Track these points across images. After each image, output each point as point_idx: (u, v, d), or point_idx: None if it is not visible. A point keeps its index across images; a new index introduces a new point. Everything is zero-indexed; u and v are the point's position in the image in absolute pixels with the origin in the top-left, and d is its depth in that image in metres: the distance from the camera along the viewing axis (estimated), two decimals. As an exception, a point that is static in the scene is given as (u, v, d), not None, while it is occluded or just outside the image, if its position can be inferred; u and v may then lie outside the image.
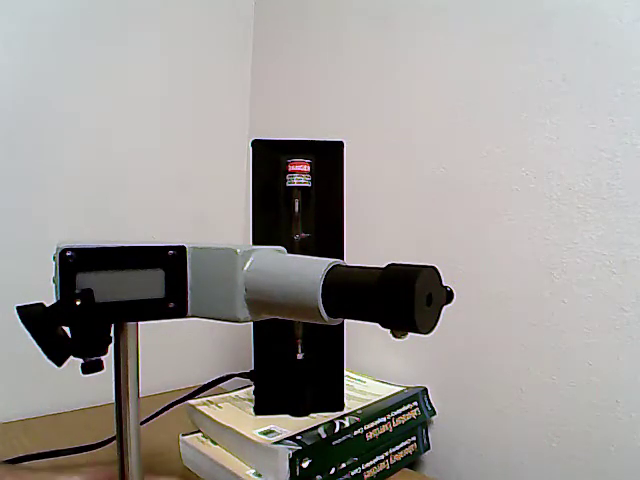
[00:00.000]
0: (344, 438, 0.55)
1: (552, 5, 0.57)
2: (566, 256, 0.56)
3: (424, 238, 0.71)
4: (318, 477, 0.51)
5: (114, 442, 0.56)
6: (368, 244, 0.77)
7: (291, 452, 0.49)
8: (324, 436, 0.53)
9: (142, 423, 0.57)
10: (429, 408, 0.67)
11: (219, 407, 0.62)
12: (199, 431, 0.61)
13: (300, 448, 0.50)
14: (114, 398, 0.34)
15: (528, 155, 0.59)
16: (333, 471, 0.53)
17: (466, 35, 0.66)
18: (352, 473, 0.55)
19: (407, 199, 0.73)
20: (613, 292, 0.52)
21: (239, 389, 0.68)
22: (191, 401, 0.63)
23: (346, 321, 0.31)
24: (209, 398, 0.65)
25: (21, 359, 0.63)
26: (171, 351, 0.76)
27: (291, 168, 0.59)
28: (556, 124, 0.57)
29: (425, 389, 0.68)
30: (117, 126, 0.81)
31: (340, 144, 0.61)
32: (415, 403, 0.65)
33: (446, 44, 0.68)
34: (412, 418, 0.64)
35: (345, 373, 0.75)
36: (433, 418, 0.68)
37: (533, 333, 0.59)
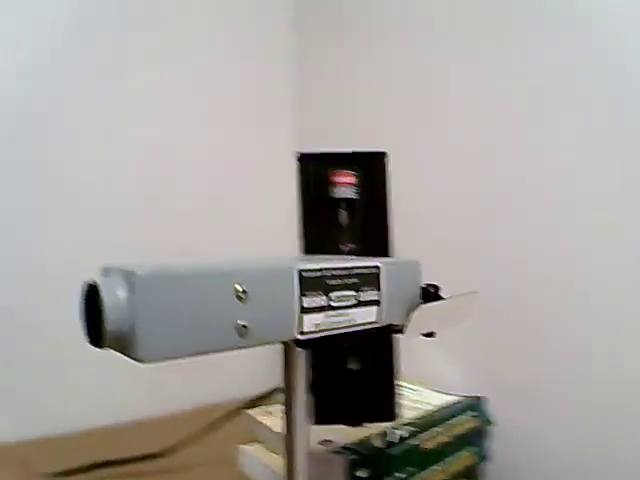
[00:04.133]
0: (400, 448, 0.54)
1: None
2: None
3: (471, 247, 0.70)
4: (376, 487, 0.51)
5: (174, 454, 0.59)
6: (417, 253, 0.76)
7: (348, 461, 0.49)
8: (380, 445, 0.53)
9: (202, 434, 0.60)
10: (487, 418, 0.65)
11: (277, 417, 0.63)
12: (257, 440, 0.63)
13: (356, 457, 0.50)
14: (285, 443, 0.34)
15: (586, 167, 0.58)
16: (390, 481, 0.53)
17: (515, 44, 0.65)
18: (410, 484, 0.54)
19: (456, 210, 0.72)
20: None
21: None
22: (250, 411, 0.64)
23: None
24: (268, 408, 0.66)
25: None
26: (230, 361, 0.78)
27: (336, 180, 0.60)
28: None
29: (482, 398, 0.66)
30: (164, 140, 0.85)
31: (383, 154, 0.61)
32: (472, 412, 0.64)
33: (495, 55, 0.68)
34: (470, 428, 0.63)
35: (399, 382, 0.74)
36: (492, 428, 0.67)
37: (599, 341, 0.56)
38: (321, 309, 0.26)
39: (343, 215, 0.61)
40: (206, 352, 0.23)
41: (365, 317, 0.28)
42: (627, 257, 0.55)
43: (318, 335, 0.27)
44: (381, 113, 0.85)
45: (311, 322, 0.26)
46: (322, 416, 0.61)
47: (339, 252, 0.61)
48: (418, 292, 0.31)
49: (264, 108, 0.97)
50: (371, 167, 0.61)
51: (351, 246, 0.61)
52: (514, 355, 0.65)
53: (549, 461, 0.61)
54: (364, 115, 0.88)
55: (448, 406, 0.64)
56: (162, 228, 0.83)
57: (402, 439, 0.55)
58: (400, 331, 0.30)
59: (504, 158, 0.66)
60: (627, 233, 0.55)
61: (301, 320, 0.25)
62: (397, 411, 0.62)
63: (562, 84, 0.60)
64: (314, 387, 0.62)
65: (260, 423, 0.62)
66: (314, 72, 1.00)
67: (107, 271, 0.23)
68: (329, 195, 0.61)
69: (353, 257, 0.31)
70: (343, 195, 0.60)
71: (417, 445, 0.56)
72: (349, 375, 0.61)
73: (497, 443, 0.66)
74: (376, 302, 0.29)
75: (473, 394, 0.67)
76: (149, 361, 0.22)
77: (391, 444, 0.54)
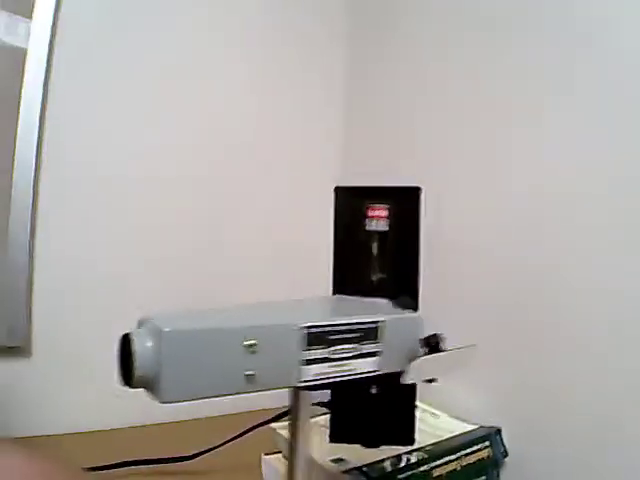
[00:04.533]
0: (409, 473, 0.57)
1: None
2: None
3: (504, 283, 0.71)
4: (382, 508, 0.55)
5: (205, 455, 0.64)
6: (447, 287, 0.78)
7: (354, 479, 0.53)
8: (389, 469, 0.56)
9: (228, 442, 0.64)
10: (502, 449, 0.67)
11: (297, 430, 0.67)
12: (279, 451, 0.67)
13: (364, 478, 0.54)
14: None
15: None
16: (398, 505, 0.56)
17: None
18: (417, 508, 0.57)
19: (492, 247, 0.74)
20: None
21: (320, 415, 0.73)
22: (274, 424, 0.69)
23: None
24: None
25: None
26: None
27: (370, 213, 0.63)
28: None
29: (499, 429, 0.68)
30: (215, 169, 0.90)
31: (417, 189, 0.64)
32: (487, 443, 0.65)
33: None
34: (482, 458, 0.64)
35: (420, 406, 0.77)
36: (507, 459, 0.68)
37: (616, 378, 0.57)
38: (322, 360, 0.30)
39: (375, 246, 0.64)
40: (217, 396, 0.27)
41: (365, 366, 0.32)
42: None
43: (318, 383, 0.30)
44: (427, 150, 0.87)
45: (311, 372, 0.30)
46: (338, 434, 0.65)
47: (369, 281, 0.64)
48: (419, 343, 0.34)
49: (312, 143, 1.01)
50: (404, 202, 0.64)
51: (381, 275, 0.64)
52: (532, 389, 0.66)
53: None
54: (408, 151, 0.91)
55: (464, 435, 0.66)
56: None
57: (412, 465, 0.58)
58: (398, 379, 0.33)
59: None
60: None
61: (302, 371, 0.29)
62: (414, 436, 0.65)
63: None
64: (332, 406, 0.65)
65: (280, 435, 0.66)
66: (362, 107, 1.03)
67: (141, 323, 0.27)
68: (362, 227, 0.64)
69: (362, 306, 0.34)
70: (375, 228, 0.63)
71: (427, 471, 0.59)
72: (369, 397, 0.64)
73: (511, 474, 0.67)
74: (376, 353, 0.32)
75: (491, 424, 0.69)
76: (169, 402, 0.26)
77: (401, 469, 0.57)
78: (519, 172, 0.70)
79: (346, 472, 0.55)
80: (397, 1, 0.95)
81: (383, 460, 0.58)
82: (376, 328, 0.32)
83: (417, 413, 0.75)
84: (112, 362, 0.70)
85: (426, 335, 0.35)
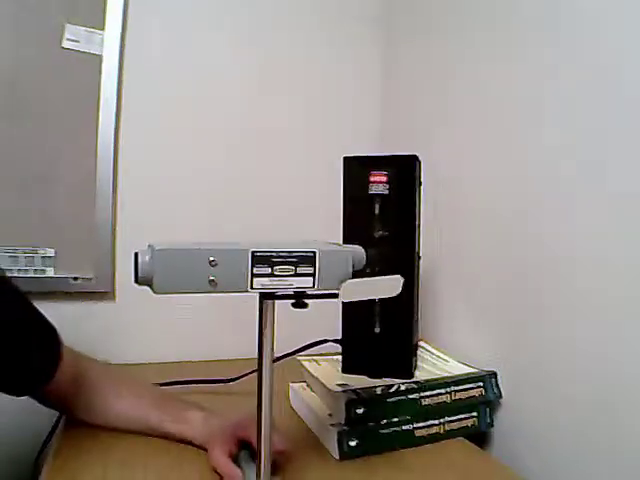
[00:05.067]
0: (397, 398, 0.68)
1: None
2: None
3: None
4: (370, 423, 0.66)
5: (243, 378, 0.79)
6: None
7: (348, 398, 0.65)
8: (379, 393, 0.67)
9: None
10: (495, 391, 0.74)
11: (319, 364, 0.80)
12: (303, 381, 0.80)
13: (355, 397, 0.65)
14: (257, 362, 0.48)
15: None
16: (385, 422, 0.67)
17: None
18: (403, 428, 0.68)
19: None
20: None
21: (339, 353, 0.85)
22: (301, 358, 0.82)
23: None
24: (315, 357, 0.83)
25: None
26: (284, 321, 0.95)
27: (372, 179, 0.74)
28: None
29: (494, 373, 0.75)
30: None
31: (413, 158, 0.73)
32: (480, 384, 0.73)
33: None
34: (474, 396, 0.73)
35: (432, 351, 0.87)
36: (502, 401, 0.75)
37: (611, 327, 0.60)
38: (267, 275, 0.42)
39: (377, 207, 0.75)
40: (192, 292, 0.41)
41: (302, 284, 0.43)
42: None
43: (264, 291, 0.43)
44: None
45: (258, 283, 0.42)
46: (349, 367, 0.77)
47: (373, 237, 0.75)
48: (350, 270, 0.45)
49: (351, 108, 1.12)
50: (402, 169, 0.74)
51: (383, 233, 0.75)
52: (530, 340, 0.71)
53: (550, 432, 0.68)
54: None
55: (460, 375, 0.74)
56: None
57: (401, 391, 0.68)
58: (336, 296, 0.44)
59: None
60: None
61: (251, 281, 0.42)
62: (412, 371, 0.76)
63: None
64: (344, 343, 0.78)
65: (303, 366, 0.79)
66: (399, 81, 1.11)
67: (148, 245, 0.41)
68: (366, 191, 0.75)
69: (309, 243, 0.45)
70: (376, 191, 0.74)
71: (416, 399, 0.69)
72: (374, 336, 0.76)
73: (505, 413, 0.75)
74: (311, 274, 0.43)
75: (490, 369, 0.76)
76: (160, 294, 0.40)
77: (390, 394, 0.68)
78: (520, 146, 0.75)
79: (344, 392, 0.67)
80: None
81: (377, 386, 0.69)
82: (313, 256, 0.43)
83: (428, 357, 0.86)
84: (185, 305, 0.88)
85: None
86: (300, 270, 0.43)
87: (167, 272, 0.40)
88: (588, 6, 0.63)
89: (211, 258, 0.41)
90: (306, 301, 0.45)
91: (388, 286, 0.46)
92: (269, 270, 0.42)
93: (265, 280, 0.42)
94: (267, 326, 0.46)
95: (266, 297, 0.45)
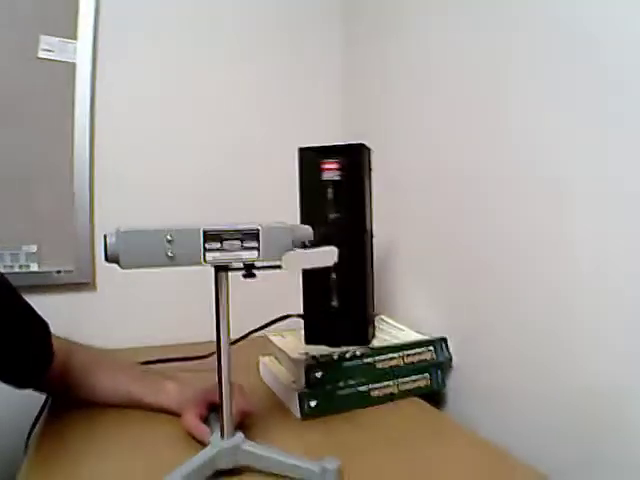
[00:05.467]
0: (353, 362, 0.76)
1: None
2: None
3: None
4: (328, 386, 0.74)
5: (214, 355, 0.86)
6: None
7: (307, 364, 0.73)
8: (335, 357, 0.75)
9: (233, 343, 0.86)
10: (446, 354, 0.83)
11: (284, 337, 0.88)
12: (271, 354, 0.88)
13: (314, 362, 0.73)
14: (215, 325, 0.55)
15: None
16: (342, 384, 0.74)
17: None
18: (360, 389, 0.76)
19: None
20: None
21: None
22: (268, 333, 0.90)
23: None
24: (282, 332, 0.90)
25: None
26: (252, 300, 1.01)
27: (324, 166, 0.81)
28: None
29: (444, 338, 0.83)
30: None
31: (361, 146, 0.81)
32: (430, 347, 0.82)
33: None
34: (425, 359, 0.81)
35: (389, 322, 0.95)
36: (454, 364, 0.83)
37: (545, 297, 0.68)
38: (217, 250, 0.49)
39: (330, 192, 0.82)
40: (153, 266, 0.48)
41: (248, 256, 0.51)
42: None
43: (217, 264, 0.50)
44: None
45: (211, 256, 0.49)
46: (311, 337, 0.85)
47: (327, 219, 0.82)
48: (290, 243, 0.52)
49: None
50: (351, 157, 0.81)
51: (336, 215, 0.82)
52: (477, 308, 0.79)
53: (498, 391, 0.75)
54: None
55: (412, 341, 0.82)
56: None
57: (356, 356, 0.76)
58: (280, 267, 0.52)
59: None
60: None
61: (204, 255, 0.49)
62: (368, 338, 0.83)
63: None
64: (306, 317, 0.85)
65: (271, 341, 0.87)
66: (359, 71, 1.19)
67: (115, 229, 0.48)
68: (320, 177, 0.82)
69: (262, 223, 0.52)
70: (329, 177, 0.81)
71: (371, 363, 0.77)
72: (332, 309, 0.83)
73: (456, 375, 0.83)
74: (256, 248, 0.51)
75: (441, 335, 0.84)
76: (127, 268, 0.47)
77: (346, 359, 0.75)
78: (460, 133, 0.84)
79: (304, 358, 0.75)
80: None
81: (334, 353, 0.77)
82: (257, 232, 0.51)
83: (386, 328, 0.94)
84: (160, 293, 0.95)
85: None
86: (246, 244, 0.51)
87: (131, 250, 0.47)
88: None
89: (168, 237, 0.48)
90: (254, 272, 0.53)
91: (324, 256, 0.53)
92: (219, 245, 0.50)
93: (217, 254, 0.50)
94: (222, 295, 0.53)
95: (220, 269, 0.52)
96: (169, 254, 0.48)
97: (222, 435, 0.55)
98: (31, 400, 0.76)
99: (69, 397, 0.73)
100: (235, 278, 0.54)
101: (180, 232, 0.49)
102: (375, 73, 1.11)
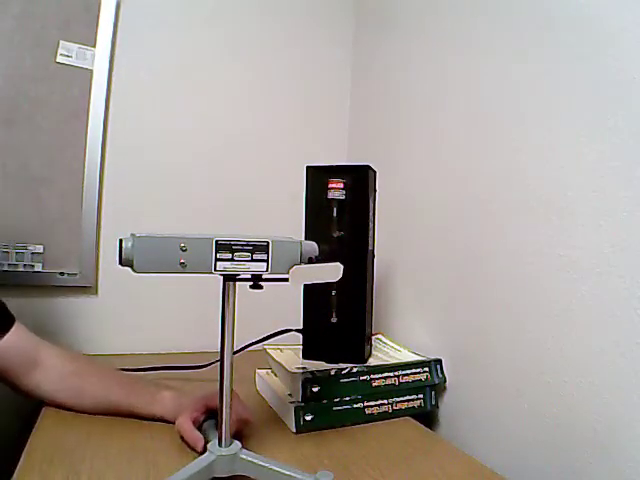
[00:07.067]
0: (350, 379, 0.77)
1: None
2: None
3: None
4: (324, 401, 0.75)
5: (212, 365, 0.87)
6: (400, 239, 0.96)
7: (304, 378, 0.74)
8: (332, 373, 0.76)
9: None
10: (440, 376, 0.84)
11: (282, 351, 0.89)
12: (270, 367, 0.89)
13: (311, 377, 0.74)
14: (220, 333, 0.56)
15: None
16: (338, 400, 0.75)
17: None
18: (355, 406, 0.76)
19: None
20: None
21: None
22: (266, 346, 0.91)
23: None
24: (280, 345, 0.91)
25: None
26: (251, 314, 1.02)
27: (330, 185, 0.83)
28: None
29: (439, 360, 0.85)
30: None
31: (367, 167, 0.83)
32: (426, 369, 0.83)
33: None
34: (420, 380, 0.82)
35: (387, 342, 0.96)
36: (448, 385, 0.84)
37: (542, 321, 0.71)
38: (228, 260, 0.51)
39: (334, 211, 0.84)
40: (166, 273, 0.49)
41: (257, 268, 0.52)
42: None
43: (226, 274, 0.52)
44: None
45: (221, 266, 0.51)
46: (309, 353, 0.86)
47: (331, 236, 0.84)
48: (298, 258, 0.54)
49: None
50: (356, 177, 0.83)
51: (339, 233, 0.84)
52: (473, 330, 0.81)
53: (491, 413, 0.76)
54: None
55: (408, 361, 0.83)
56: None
57: (353, 373, 0.77)
58: (287, 280, 0.53)
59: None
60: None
61: (215, 264, 0.51)
62: (364, 356, 0.85)
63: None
64: (304, 332, 0.86)
65: (269, 354, 0.88)
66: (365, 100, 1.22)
67: (131, 234, 0.50)
68: (325, 196, 0.84)
69: (270, 236, 0.54)
70: (334, 196, 0.83)
71: (367, 381, 0.78)
72: (331, 325, 0.85)
73: (450, 396, 0.84)
74: (265, 260, 0.52)
75: (436, 356, 0.86)
76: (140, 273, 0.49)
77: (343, 375, 0.76)
78: (460, 157, 0.86)
79: (302, 373, 0.76)
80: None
81: (332, 369, 0.78)
82: (267, 245, 0.52)
83: (383, 347, 0.95)
84: (159, 302, 0.97)
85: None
86: (256, 256, 0.52)
87: (145, 255, 0.49)
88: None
89: (182, 244, 0.50)
90: (261, 283, 0.54)
91: (330, 272, 0.55)
92: (230, 255, 0.51)
93: (227, 264, 0.51)
94: (229, 304, 0.55)
95: (228, 279, 0.54)
96: (181, 261, 0.49)
97: (220, 443, 0.56)
98: (27, 403, 0.77)
99: (64, 405, 0.72)
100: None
101: (193, 241, 0.50)
102: (381, 99, 1.14)
